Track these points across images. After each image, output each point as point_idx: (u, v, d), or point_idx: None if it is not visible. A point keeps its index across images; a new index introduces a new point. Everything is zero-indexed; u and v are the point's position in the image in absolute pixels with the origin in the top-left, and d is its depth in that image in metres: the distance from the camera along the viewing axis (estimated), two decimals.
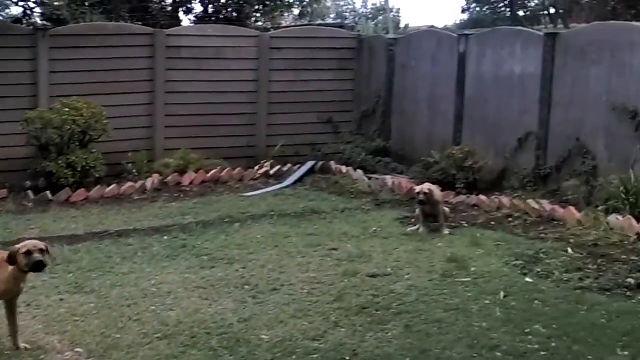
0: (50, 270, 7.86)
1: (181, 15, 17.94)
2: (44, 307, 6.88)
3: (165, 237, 9.12)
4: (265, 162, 12.68)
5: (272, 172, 12.49)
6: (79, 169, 11.03)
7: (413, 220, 9.67)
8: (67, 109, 11.15)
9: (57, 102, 11.34)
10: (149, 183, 11.54)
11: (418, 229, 9.32)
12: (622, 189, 9.15)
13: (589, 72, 10.13)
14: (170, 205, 10.82)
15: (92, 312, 6.77)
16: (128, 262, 8.21)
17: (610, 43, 9.90)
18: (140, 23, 15.16)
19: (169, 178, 11.82)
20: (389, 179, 11.71)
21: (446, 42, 12.30)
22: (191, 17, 18.05)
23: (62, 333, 6.29)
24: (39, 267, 5.77)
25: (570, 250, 8.38)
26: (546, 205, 9.84)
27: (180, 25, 16.02)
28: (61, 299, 7.09)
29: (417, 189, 9.46)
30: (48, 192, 10.89)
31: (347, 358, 5.80)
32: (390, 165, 12.60)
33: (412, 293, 7.16)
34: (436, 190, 9.54)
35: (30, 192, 11.00)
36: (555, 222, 9.50)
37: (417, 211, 9.48)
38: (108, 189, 11.23)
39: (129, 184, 11.47)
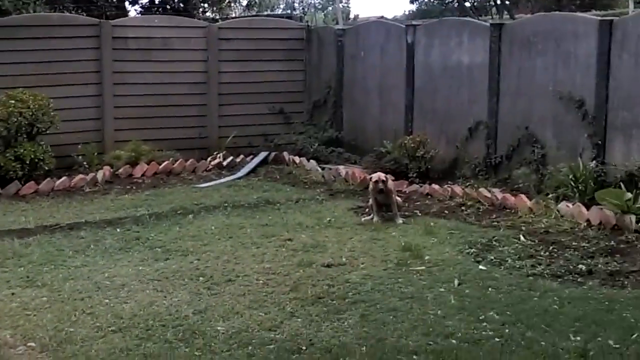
0: (1, 264, 7.75)
1: (127, 5, 17.73)
2: None
3: (118, 230, 9.01)
4: (218, 153, 12.61)
5: (224, 163, 12.42)
6: (27, 162, 10.84)
7: (367, 209, 9.70)
8: (12, 101, 10.95)
9: (2, 94, 11.11)
10: (100, 175, 11.39)
11: (372, 218, 9.35)
12: (571, 177, 9.29)
13: (535, 62, 10.25)
14: (122, 197, 10.69)
15: (45, 305, 6.67)
16: (80, 255, 8.09)
17: (555, 33, 10.03)
18: (85, 14, 14.94)
19: (121, 170, 11.69)
20: (342, 169, 11.73)
21: (394, 33, 12.34)
22: (137, 7, 17.85)
23: (14, 327, 6.18)
24: None
25: (522, 237, 8.48)
26: (498, 193, 9.95)
27: (127, 16, 15.80)
28: (12, 293, 6.96)
29: (374, 177, 9.49)
30: None
31: (304, 348, 5.79)
32: (343, 155, 12.62)
33: (367, 282, 7.17)
34: (389, 179, 9.58)
35: None
36: (507, 210, 9.61)
37: (371, 201, 9.51)
38: (58, 182, 11.06)
39: (80, 176, 11.30)
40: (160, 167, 11.93)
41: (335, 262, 7.74)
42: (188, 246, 8.34)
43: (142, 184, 11.40)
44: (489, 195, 9.94)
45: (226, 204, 10.15)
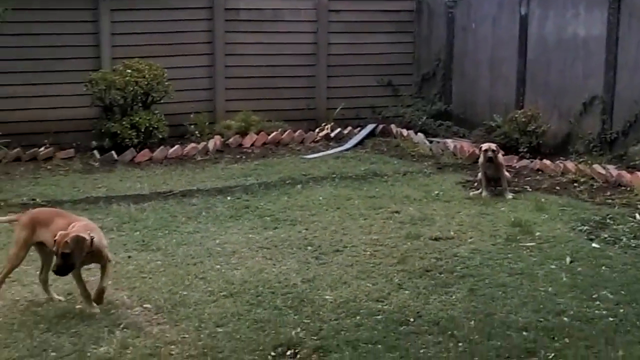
0: (118, 228, 8.02)
1: None
2: (113, 264, 6.94)
3: (229, 198, 9.18)
4: (326, 125, 12.65)
5: (332, 134, 12.45)
6: (142, 130, 11.15)
7: (475, 184, 9.58)
8: (129, 71, 11.24)
9: (120, 64, 11.44)
10: (211, 144, 11.62)
11: (480, 192, 9.22)
12: None
13: None
14: (232, 166, 10.88)
15: (159, 269, 6.88)
16: (192, 222, 8.29)
17: None
18: None
19: (231, 140, 11.88)
20: (450, 143, 11.60)
21: (507, 5, 12.04)
22: None
23: (131, 289, 6.41)
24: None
25: (638, 216, 8.22)
26: (612, 170, 9.65)
27: None
28: (129, 256, 7.21)
29: (484, 146, 9.34)
30: (113, 152, 11.04)
31: (411, 320, 5.80)
32: (451, 128, 12.46)
33: (475, 257, 7.10)
34: (499, 151, 9.40)
35: (96, 152, 11.17)
36: (622, 188, 9.30)
37: (480, 175, 9.38)
38: (171, 150, 11.34)
39: (192, 145, 11.56)
40: (269, 137, 12.07)
41: (443, 236, 7.68)
42: (296, 216, 8.43)
43: (252, 154, 11.57)
44: (603, 172, 9.65)
45: (334, 175, 10.19)
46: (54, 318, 5.75)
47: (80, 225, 5.84)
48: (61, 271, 5.71)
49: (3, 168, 10.57)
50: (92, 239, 5.72)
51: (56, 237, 5.64)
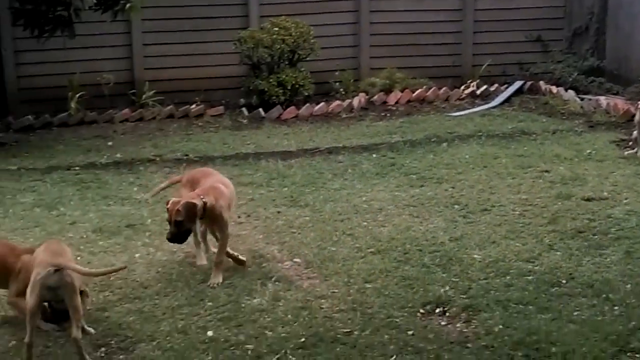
0: (267, 184, 8.21)
1: None
2: (263, 219, 7.19)
3: (374, 155, 9.20)
4: (471, 82, 12.40)
5: (478, 92, 12.20)
6: (288, 87, 11.29)
7: (630, 143, 9.18)
8: (276, 29, 11.37)
9: (267, 22, 11.59)
10: (355, 102, 11.64)
11: (636, 152, 8.84)
12: None
13: None
14: (377, 124, 10.88)
15: (308, 225, 7.00)
16: (339, 179, 8.37)
17: None
18: None
19: (375, 97, 11.86)
20: (602, 100, 11.14)
21: None
22: None
23: (281, 243, 6.56)
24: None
25: None
26: None
27: None
28: (278, 212, 7.37)
29: None
30: (260, 110, 11.25)
31: (563, 281, 5.67)
32: (604, 85, 11.95)
33: (631, 218, 6.84)
34: None
35: (244, 109, 11.41)
36: None
37: (635, 133, 8.98)
38: (317, 107, 11.44)
39: (337, 102, 11.62)
40: (414, 94, 11.97)
41: (596, 196, 7.43)
42: (442, 174, 8.36)
43: (396, 111, 11.52)
44: None
45: (480, 133, 10.02)
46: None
47: (204, 188, 5.86)
48: (175, 239, 5.66)
49: (157, 124, 10.99)
50: (204, 204, 5.67)
51: (168, 205, 5.64)
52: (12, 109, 11.19)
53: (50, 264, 4.65)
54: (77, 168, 8.93)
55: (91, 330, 5.08)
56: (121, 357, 4.82)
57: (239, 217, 7.24)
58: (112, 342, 4.98)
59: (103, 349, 4.91)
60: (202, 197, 5.72)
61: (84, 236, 6.80)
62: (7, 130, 10.75)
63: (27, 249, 5.38)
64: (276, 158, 9.14)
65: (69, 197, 7.89)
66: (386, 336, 4.95)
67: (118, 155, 9.50)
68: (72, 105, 11.04)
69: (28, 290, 4.71)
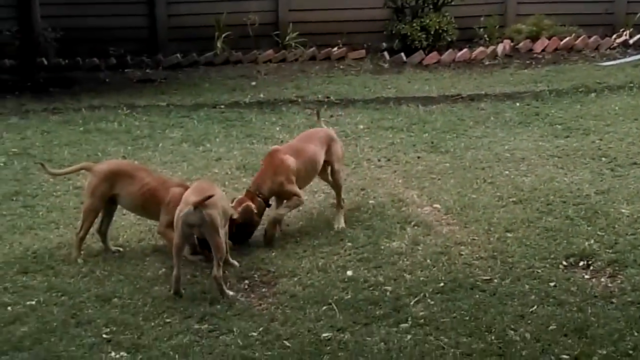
0: (407, 129, 8.17)
1: None
2: (403, 163, 7.18)
3: (517, 104, 8.98)
4: (624, 31, 11.85)
5: (631, 41, 11.65)
6: (432, 32, 11.13)
7: None
8: None
9: None
10: (499, 49, 11.36)
11: None
12: None
13: None
14: (521, 72, 10.59)
15: (448, 171, 6.94)
16: (480, 126, 8.24)
17: None
18: None
19: (520, 44, 11.53)
20: None
21: None
22: None
23: (420, 189, 6.54)
24: None
25: None
26: None
27: None
28: (418, 157, 7.35)
29: None
30: (402, 54, 11.16)
31: None
32: None
33: None
34: None
35: (386, 53, 11.35)
36: None
37: None
38: (459, 53, 11.24)
39: (480, 48, 11.37)
40: (562, 42, 11.55)
41: None
42: (589, 125, 8.07)
43: (542, 60, 11.17)
44: None
45: (631, 84, 9.58)
46: (348, 211, 6.02)
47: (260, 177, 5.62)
48: (237, 240, 5.47)
49: (300, 66, 11.10)
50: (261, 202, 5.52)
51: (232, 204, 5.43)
52: (162, 47, 11.56)
53: (192, 202, 4.78)
54: (222, 106, 9.17)
55: (235, 263, 5.25)
56: (263, 290, 4.96)
57: (378, 160, 7.27)
58: (255, 275, 5.13)
59: (246, 281, 5.06)
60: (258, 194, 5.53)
61: (229, 172, 6.99)
62: (157, 67, 11.14)
63: (176, 182, 5.59)
64: (417, 103, 9.07)
65: (215, 134, 8.11)
66: (527, 286, 4.87)
67: (261, 95, 9.68)
68: (218, 44, 11.29)
69: (174, 226, 4.90)
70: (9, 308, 4.74)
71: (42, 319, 4.61)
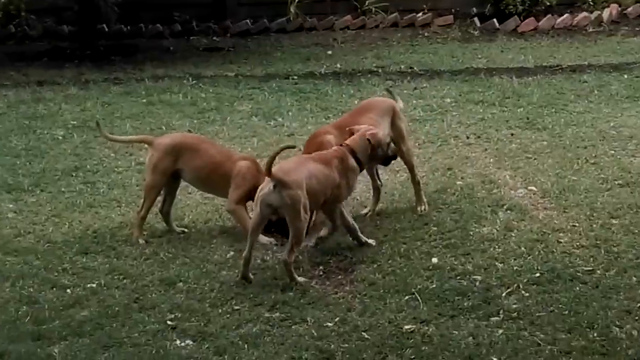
0: (500, 103, 8.08)
1: None
2: (494, 141, 7.10)
3: (625, 76, 8.78)
4: None
5: None
6: None
7: None
8: None
9: None
10: (605, 14, 11.10)
11: None
12: None
13: None
14: (630, 39, 10.35)
15: (545, 150, 6.85)
16: (582, 101, 8.09)
17: None
18: None
19: (630, 9, 11.24)
20: None
21: None
22: None
23: (514, 169, 6.47)
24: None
25: None
26: None
27: None
28: (512, 134, 7.26)
29: None
30: (494, 20, 11.01)
31: None
32: None
33: None
34: None
35: (476, 20, 11.20)
36: None
37: None
38: (559, 20, 11.03)
39: (583, 14, 11.13)
40: None
41: None
42: None
43: None
44: None
45: None
46: (434, 193, 6.00)
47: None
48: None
49: (380, 33, 11.06)
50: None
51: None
52: (230, 12, 11.64)
53: (274, 180, 4.78)
54: (295, 77, 9.22)
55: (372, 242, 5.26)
56: (340, 277, 4.98)
57: (467, 137, 7.21)
58: (331, 261, 5.15)
59: (321, 267, 5.08)
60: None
61: (301, 148, 7.01)
62: (224, 34, 11.25)
63: (243, 156, 5.66)
64: (511, 75, 8.95)
65: (287, 107, 8.16)
66: (634, 278, 4.77)
67: (338, 65, 9.69)
68: (292, 10, 11.32)
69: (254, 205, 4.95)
70: (68, 291, 4.87)
71: (103, 302, 4.73)
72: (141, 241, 5.44)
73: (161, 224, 5.68)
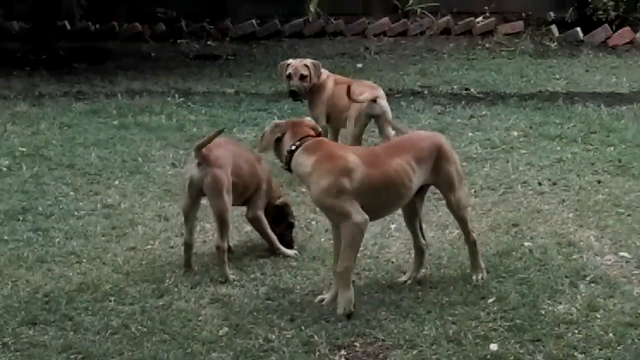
0: (583, 139, 8.10)
1: None
2: (575, 190, 7.13)
3: None
4: None
5: None
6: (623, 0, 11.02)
7: None
8: None
9: None
10: None
11: None
12: None
13: None
14: None
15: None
16: None
17: None
18: None
19: None
20: None
21: None
22: None
23: (600, 228, 6.49)
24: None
25: None
26: None
27: None
28: (598, 181, 7.29)
29: None
30: (578, 29, 11.09)
31: None
32: None
33: None
34: None
35: (553, 27, 11.28)
36: None
37: None
38: None
39: None
40: None
41: None
42: None
43: None
44: None
45: None
46: (494, 256, 6.00)
47: None
48: None
49: (427, 42, 11.17)
50: None
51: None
52: (231, 9, 11.71)
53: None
54: None
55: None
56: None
57: (539, 183, 7.23)
58: (357, 344, 5.13)
59: (343, 352, 5.04)
60: None
61: None
62: (222, 38, 11.33)
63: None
64: (598, 102, 9.00)
65: None
66: None
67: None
68: (311, 8, 11.40)
69: None
70: None
71: None
72: (231, 278, 5.85)
73: (134, 286, 5.70)
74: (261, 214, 6.25)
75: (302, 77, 7.37)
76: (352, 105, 7.14)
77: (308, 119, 5.81)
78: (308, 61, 7.48)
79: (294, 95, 7.47)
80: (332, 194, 5.32)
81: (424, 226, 5.91)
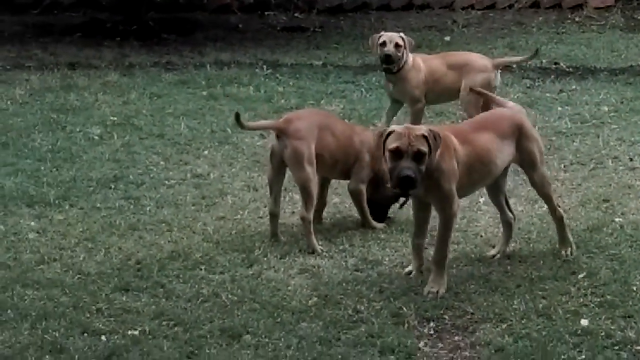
0: None
1: None
2: None
3: None
4: None
5: None
6: None
7: None
8: None
9: None
10: None
11: None
12: None
13: None
14: None
15: None
16: None
17: None
18: None
19: None
20: None
21: None
22: None
23: None
24: None
25: None
26: None
27: None
28: None
29: None
30: None
31: None
32: None
33: None
34: None
35: None
36: None
37: None
38: None
39: None
40: None
41: None
42: None
43: None
44: None
45: None
46: (584, 232, 5.94)
47: None
48: None
49: (515, 16, 11.03)
50: None
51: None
52: None
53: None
54: None
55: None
56: (456, 338, 4.95)
57: (630, 159, 7.23)
58: (446, 316, 5.14)
59: (432, 324, 5.06)
60: None
61: None
62: (309, 10, 11.30)
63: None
64: None
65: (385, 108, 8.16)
66: None
67: None
68: None
69: None
70: (103, 338, 4.94)
71: (147, 356, 4.79)
72: (319, 249, 5.88)
73: (224, 255, 5.75)
74: (362, 188, 6.18)
75: (397, 46, 7.32)
76: (474, 76, 7.38)
77: None
78: (402, 35, 7.45)
79: (388, 60, 7.32)
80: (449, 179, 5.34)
81: (512, 200, 5.87)
